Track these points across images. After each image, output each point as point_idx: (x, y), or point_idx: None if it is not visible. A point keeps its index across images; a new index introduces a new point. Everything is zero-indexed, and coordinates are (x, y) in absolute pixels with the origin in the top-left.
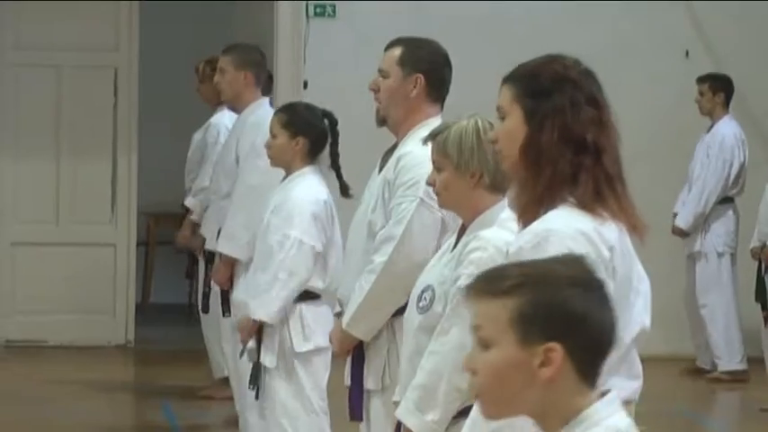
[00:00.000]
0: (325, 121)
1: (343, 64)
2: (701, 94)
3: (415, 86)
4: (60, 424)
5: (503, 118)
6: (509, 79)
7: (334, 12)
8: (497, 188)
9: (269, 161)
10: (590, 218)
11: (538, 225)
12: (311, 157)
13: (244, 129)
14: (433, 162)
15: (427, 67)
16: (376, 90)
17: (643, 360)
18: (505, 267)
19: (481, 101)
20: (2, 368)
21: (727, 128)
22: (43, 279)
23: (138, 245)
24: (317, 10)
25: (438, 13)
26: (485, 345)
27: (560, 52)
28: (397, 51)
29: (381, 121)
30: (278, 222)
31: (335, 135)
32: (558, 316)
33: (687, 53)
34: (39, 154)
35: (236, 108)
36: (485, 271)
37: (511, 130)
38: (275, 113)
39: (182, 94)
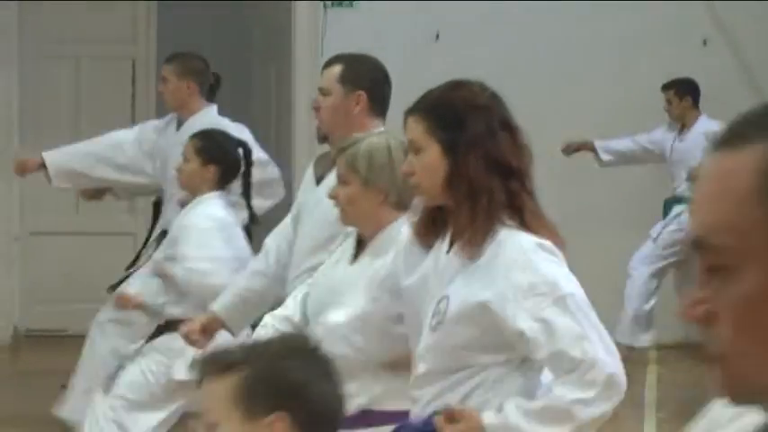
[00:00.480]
0: (240, 151)
1: (361, 53)
2: (669, 101)
3: (357, 103)
4: None
5: (416, 151)
6: (416, 111)
7: (351, 2)
8: (402, 206)
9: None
10: (536, 238)
11: (520, 249)
12: (221, 185)
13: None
14: (339, 176)
15: (369, 84)
16: (317, 108)
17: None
18: (228, 347)
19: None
20: (22, 357)
21: (710, 124)
22: (63, 268)
23: None
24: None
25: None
26: (210, 425)
27: (466, 76)
28: (337, 69)
29: (323, 139)
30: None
31: (249, 165)
32: (280, 387)
33: (705, 42)
34: (58, 144)
35: (181, 117)
36: (208, 354)
37: (429, 164)
38: (190, 138)
39: None
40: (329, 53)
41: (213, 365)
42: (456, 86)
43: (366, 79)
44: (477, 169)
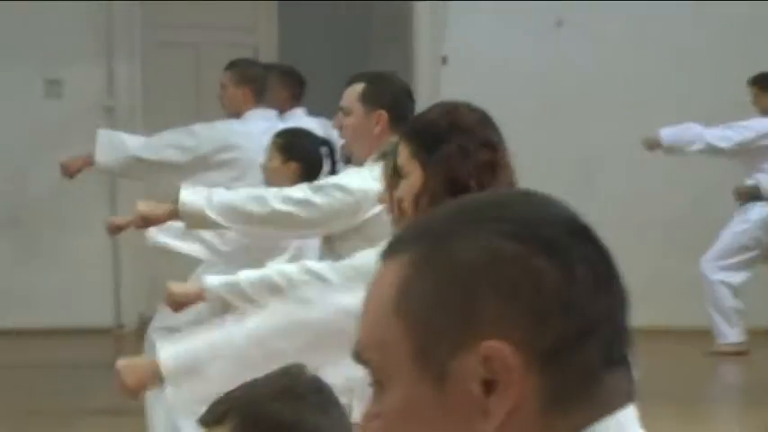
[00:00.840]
0: (323, 149)
1: (482, 40)
2: (755, 95)
3: (377, 122)
4: None
5: (405, 176)
6: (405, 135)
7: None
8: None
9: None
10: None
11: None
12: (303, 182)
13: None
14: (384, 180)
15: (389, 102)
16: (339, 128)
17: None
18: (221, 396)
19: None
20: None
21: None
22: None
23: None
24: None
25: None
26: None
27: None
28: (359, 88)
29: (347, 159)
30: None
31: (333, 163)
32: (267, 430)
33: None
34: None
35: None
36: (212, 402)
37: (412, 187)
38: (273, 136)
39: (321, 72)
40: (450, 46)
41: (209, 416)
42: (441, 108)
43: (386, 98)
44: (434, 185)
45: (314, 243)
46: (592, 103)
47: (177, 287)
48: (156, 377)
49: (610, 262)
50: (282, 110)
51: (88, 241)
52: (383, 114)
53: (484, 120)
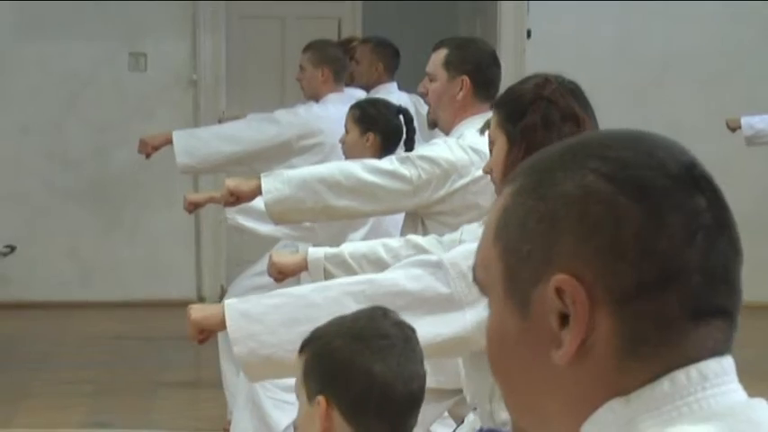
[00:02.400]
0: (400, 118)
1: (567, 13)
2: None
3: (461, 88)
4: None
5: (492, 145)
6: (495, 105)
7: None
8: None
9: None
10: None
11: None
12: (383, 153)
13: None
14: (491, 150)
15: (472, 68)
16: (425, 93)
17: None
18: (319, 326)
19: None
20: None
21: None
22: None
23: None
24: None
25: None
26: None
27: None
28: (442, 54)
29: (432, 124)
30: None
31: (411, 132)
32: (324, 368)
33: None
34: (265, 104)
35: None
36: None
37: (498, 157)
38: (350, 108)
39: (404, 46)
40: (535, 19)
41: (301, 344)
42: (527, 79)
43: (470, 63)
44: (516, 159)
45: (397, 216)
46: (674, 77)
47: (280, 257)
48: (220, 315)
49: (721, 215)
50: (378, 83)
51: (170, 215)
52: (466, 80)
53: (571, 91)
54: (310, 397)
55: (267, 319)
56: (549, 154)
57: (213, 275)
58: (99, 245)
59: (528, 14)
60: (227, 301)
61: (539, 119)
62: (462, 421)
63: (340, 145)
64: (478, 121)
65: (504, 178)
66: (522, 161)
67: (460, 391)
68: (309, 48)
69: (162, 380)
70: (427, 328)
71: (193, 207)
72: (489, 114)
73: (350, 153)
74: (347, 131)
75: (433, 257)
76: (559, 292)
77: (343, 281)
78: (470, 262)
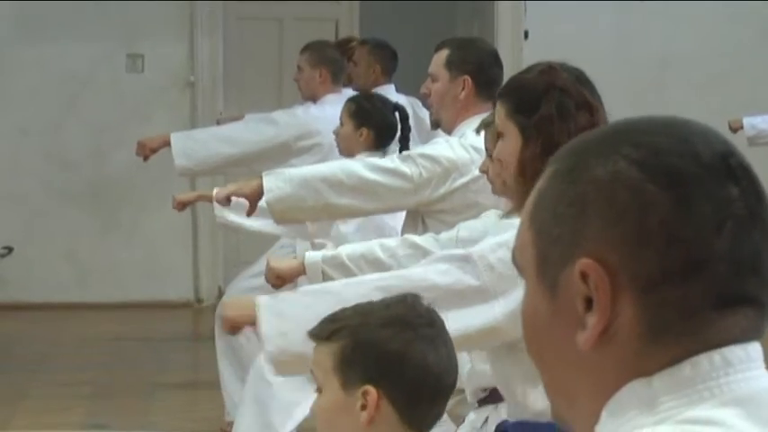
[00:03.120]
0: (396, 115)
1: (564, 14)
2: None
3: (463, 88)
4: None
5: (500, 136)
6: (501, 96)
7: None
8: None
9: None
10: None
11: None
12: (376, 148)
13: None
14: (488, 149)
15: (474, 68)
16: (427, 94)
17: None
18: (336, 312)
19: None
20: None
21: None
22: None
23: None
24: None
25: None
26: (318, 389)
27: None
28: (444, 54)
29: (435, 124)
30: None
31: (406, 130)
32: (373, 358)
33: None
34: (262, 105)
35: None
36: (323, 318)
37: (509, 148)
38: (346, 102)
39: (401, 48)
40: (532, 20)
41: (322, 331)
42: (537, 69)
43: (472, 63)
44: (533, 152)
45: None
46: (673, 78)
47: (277, 262)
48: (253, 312)
49: (756, 205)
50: (375, 85)
51: (168, 216)
52: (468, 80)
53: (581, 79)
54: (347, 386)
55: (300, 317)
56: (587, 139)
57: (211, 276)
58: (96, 246)
59: (525, 15)
60: (260, 299)
61: (554, 110)
62: (463, 420)
63: (332, 132)
64: (472, 124)
65: (520, 172)
66: (540, 155)
67: (462, 391)
68: (307, 49)
69: (159, 381)
70: (457, 321)
71: (182, 207)
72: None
73: (343, 146)
74: (342, 124)
75: (460, 251)
76: (584, 275)
77: (373, 276)
78: (498, 254)
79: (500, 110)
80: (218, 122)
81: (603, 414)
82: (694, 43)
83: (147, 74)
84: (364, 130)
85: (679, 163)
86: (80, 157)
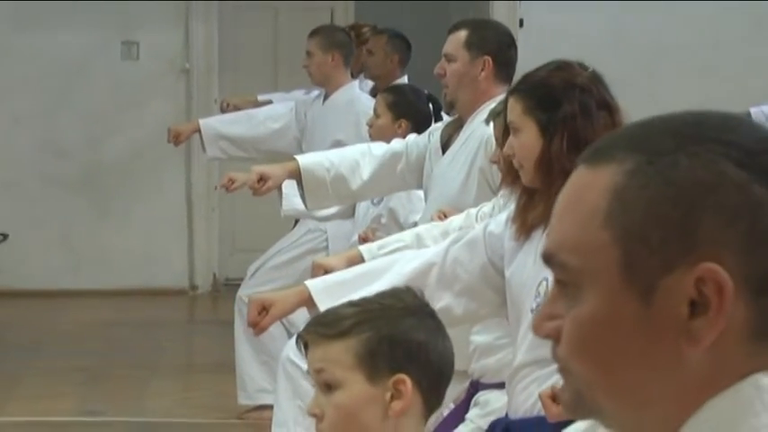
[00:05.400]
0: (430, 106)
1: (559, 3)
2: None
3: (483, 69)
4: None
5: (515, 132)
6: (516, 91)
7: None
8: None
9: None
10: None
11: None
12: None
13: (337, 110)
14: (497, 139)
15: (494, 49)
16: (442, 75)
17: None
18: (338, 309)
19: None
20: (220, 305)
21: None
22: (260, 217)
23: None
24: None
25: None
26: (329, 387)
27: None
28: (463, 34)
29: (450, 105)
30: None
31: (439, 120)
32: (402, 347)
33: None
34: (257, 92)
35: (327, 90)
36: (318, 316)
37: (527, 144)
38: (381, 93)
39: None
40: (527, 9)
41: (335, 327)
42: (555, 66)
43: (492, 44)
44: (559, 149)
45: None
46: (668, 68)
47: (326, 261)
48: (303, 300)
49: None
50: (390, 75)
51: (162, 204)
52: (489, 60)
53: (597, 78)
54: (375, 378)
55: (352, 286)
56: (653, 131)
57: (205, 263)
58: (91, 233)
59: (520, 4)
60: (309, 284)
61: (577, 108)
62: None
63: (365, 123)
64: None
65: (543, 168)
66: (566, 152)
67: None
68: (317, 33)
69: (154, 367)
70: None
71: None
72: None
73: (378, 137)
74: (377, 116)
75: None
76: (700, 280)
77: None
78: None
79: (515, 105)
80: (222, 110)
81: (701, 414)
82: (688, 34)
83: (143, 61)
84: (403, 122)
85: None
86: (75, 144)
